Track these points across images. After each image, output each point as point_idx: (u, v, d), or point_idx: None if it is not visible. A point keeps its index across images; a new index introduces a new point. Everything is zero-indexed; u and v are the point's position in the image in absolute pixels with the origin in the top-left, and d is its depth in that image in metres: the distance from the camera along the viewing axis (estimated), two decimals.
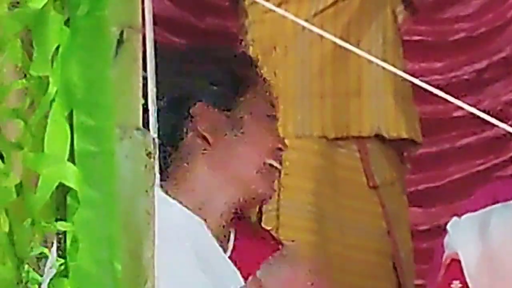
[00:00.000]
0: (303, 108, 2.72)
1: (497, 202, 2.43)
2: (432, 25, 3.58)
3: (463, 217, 2.30)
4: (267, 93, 2.27)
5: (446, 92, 1.14)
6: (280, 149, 2.18)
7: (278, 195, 2.65)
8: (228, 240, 2.30)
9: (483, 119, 1.25)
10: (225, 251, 2.25)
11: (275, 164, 2.15)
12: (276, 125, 2.17)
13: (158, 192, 1.59)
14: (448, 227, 2.32)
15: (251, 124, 2.21)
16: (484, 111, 1.47)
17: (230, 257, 2.34)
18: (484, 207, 2.38)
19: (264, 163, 2.13)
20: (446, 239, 2.30)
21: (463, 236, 2.33)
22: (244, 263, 2.23)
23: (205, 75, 2.35)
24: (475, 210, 2.36)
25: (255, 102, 2.20)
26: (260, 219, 2.71)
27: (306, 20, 2.41)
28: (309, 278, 2.10)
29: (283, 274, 2.17)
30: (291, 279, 2.17)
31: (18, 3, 0.99)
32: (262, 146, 2.19)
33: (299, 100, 2.73)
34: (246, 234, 2.40)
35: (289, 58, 2.70)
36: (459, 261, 2.28)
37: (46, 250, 1.02)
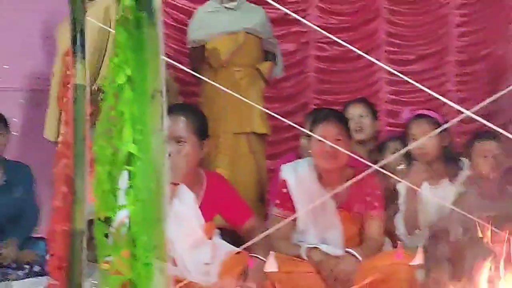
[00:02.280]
0: (226, 120, 3.25)
1: (290, 161, 2.78)
2: (274, 89, 4.16)
3: (287, 163, 2.68)
4: None
5: (280, 115, 1.26)
6: None
7: (216, 156, 3.26)
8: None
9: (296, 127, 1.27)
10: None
11: None
12: None
13: None
14: (281, 167, 2.69)
15: None
16: (297, 123, 1.46)
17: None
18: (292, 160, 2.74)
19: None
20: (280, 172, 2.68)
21: (288, 171, 2.63)
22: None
23: None
24: (289, 161, 2.73)
25: None
26: None
27: (227, 87, 2.92)
28: None
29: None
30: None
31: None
32: None
33: (225, 117, 3.23)
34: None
35: (221, 101, 3.22)
36: (286, 181, 2.60)
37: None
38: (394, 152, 3.16)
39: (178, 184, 2.27)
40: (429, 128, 2.70)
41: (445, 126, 2.17)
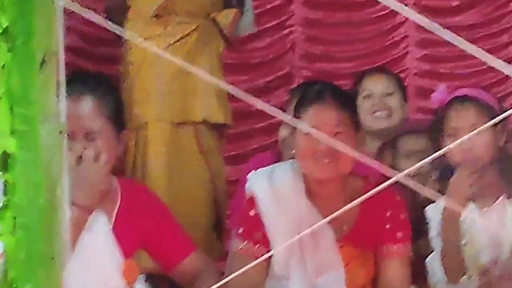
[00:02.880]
0: (161, 102, 3.36)
1: (264, 165, 2.83)
2: (239, 53, 4.50)
3: (258, 170, 2.71)
4: None
5: (249, 93, 1.36)
6: None
7: (145, 156, 3.40)
8: None
9: (272, 112, 1.37)
10: None
11: None
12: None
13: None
14: (248, 176, 2.71)
15: None
16: (275, 106, 1.63)
17: None
18: (260, 166, 2.76)
19: None
20: (247, 184, 2.70)
21: (258, 182, 2.67)
22: None
23: None
24: (261, 166, 2.74)
25: None
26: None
27: (164, 49, 3.31)
28: None
29: None
30: None
31: None
32: None
33: (158, 97, 3.34)
34: None
35: (152, 71, 3.40)
36: (254, 198, 2.64)
37: None
38: (408, 154, 3.21)
39: (90, 210, 2.26)
40: (479, 118, 2.72)
41: (507, 113, 2.14)
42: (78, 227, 2.27)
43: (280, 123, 3.44)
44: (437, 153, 1.58)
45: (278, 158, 3.21)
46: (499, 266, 2.66)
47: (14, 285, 0.95)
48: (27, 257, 0.97)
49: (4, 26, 1.00)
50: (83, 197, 2.21)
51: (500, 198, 2.81)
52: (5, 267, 0.98)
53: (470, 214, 2.81)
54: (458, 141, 2.63)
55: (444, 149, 2.56)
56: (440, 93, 2.92)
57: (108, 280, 2.32)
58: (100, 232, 2.33)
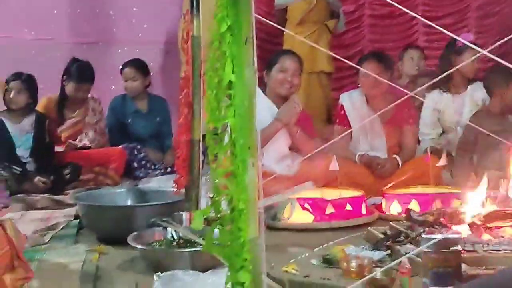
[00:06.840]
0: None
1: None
2: (337, 40, 5.85)
3: (345, 93, 4.22)
4: None
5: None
6: None
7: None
8: None
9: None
10: None
11: None
12: None
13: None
14: (341, 96, 4.24)
15: None
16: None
17: None
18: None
19: None
20: (340, 99, 4.23)
21: (345, 98, 4.15)
22: None
23: None
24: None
25: None
26: None
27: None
28: None
29: None
30: None
31: None
32: None
33: None
34: None
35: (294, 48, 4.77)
36: (343, 105, 4.12)
37: None
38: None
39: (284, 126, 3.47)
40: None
41: None
42: (273, 134, 3.39)
43: (357, 73, 4.29)
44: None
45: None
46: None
47: (235, 140, 1.02)
48: (240, 128, 1.02)
49: (229, 24, 1.09)
50: (286, 118, 3.32)
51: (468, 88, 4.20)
52: (230, 132, 1.07)
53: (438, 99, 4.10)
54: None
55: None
56: None
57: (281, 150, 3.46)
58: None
